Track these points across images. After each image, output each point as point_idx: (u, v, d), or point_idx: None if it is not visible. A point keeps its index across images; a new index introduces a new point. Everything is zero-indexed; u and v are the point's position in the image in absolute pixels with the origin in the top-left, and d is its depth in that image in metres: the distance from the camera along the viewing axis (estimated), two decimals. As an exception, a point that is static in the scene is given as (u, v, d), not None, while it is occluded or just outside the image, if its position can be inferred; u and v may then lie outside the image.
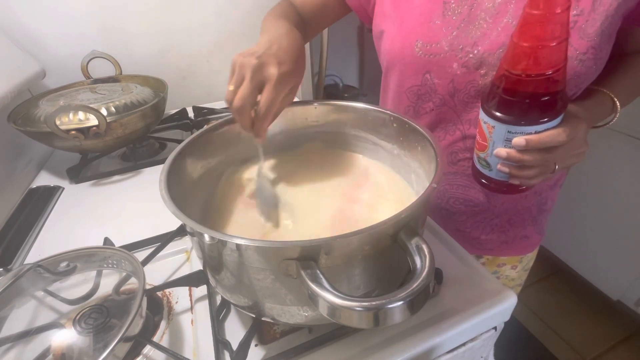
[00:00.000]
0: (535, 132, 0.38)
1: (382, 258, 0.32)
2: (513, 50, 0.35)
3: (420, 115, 0.55)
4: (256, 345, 0.40)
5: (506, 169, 0.41)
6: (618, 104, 0.47)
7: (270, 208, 0.44)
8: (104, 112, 0.69)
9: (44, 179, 0.75)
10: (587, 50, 0.42)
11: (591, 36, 0.42)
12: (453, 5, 0.47)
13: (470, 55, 0.47)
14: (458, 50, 0.47)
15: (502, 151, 0.40)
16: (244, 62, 0.40)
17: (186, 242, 0.55)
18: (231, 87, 0.40)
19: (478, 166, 0.45)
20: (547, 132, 0.37)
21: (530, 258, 0.69)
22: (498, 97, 0.38)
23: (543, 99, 0.36)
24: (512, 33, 0.35)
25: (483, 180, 0.45)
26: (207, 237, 0.30)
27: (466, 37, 0.46)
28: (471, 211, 0.60)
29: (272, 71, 0.40)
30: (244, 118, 0.40)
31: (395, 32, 0.52)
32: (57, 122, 0.63)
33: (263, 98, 0.40)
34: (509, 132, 0.38)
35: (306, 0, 0.60)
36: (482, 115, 0.41)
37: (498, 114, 0.38)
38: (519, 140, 0.38)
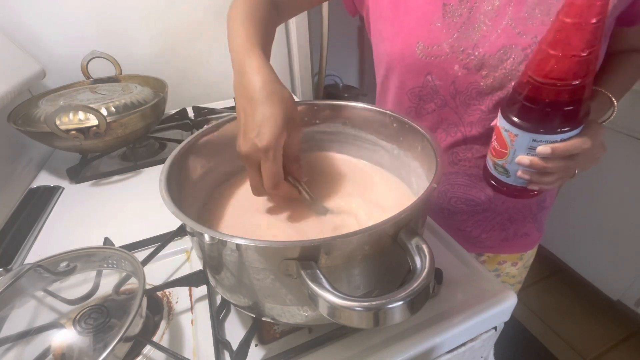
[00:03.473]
0: (561, 140, 0.37)
1: (382, 258, 0.32)
2: (547, 59, 0.34)
3: (422, 117, 0.56)
4: (256, 345, 0.40)
5: (527, 176, 0.40)
6: (615, 102, 0.47)
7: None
8: (104, 112, 0.69)
9: (44, 179, 0.75)
10: None
11: None
12: (453, 7, 0.47)
13: (472, 57, 0.47)
14: (459, 52, 0.47)
15: (524, 159, 0.39)
16: (247, 156, 0.38)
17: (186, 242, 0.55)
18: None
19: (494, 172, 0.44)
20: (572, 139, 0.37)
21: (530, 255, 0.69)
22: (523, 106, 0.37)
23: (571, 107, 0.35)
24: (543, 43, 0.34)
25: (495, 184, 0.45)
26: (207, 237, 0.30)
27: (466, 39, 0.46)
28: (472, 210, 0.60)
29: (262, 154, 0.36)
30: (286, 190, 0.40)
31: (394, 34, 0.52)
32: (57, 122, 0.63)
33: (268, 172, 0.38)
34: (533, 140, 0.37)
35: None
36: (503, 123, 0.39)
37: (523, 122, 0.37)
38: (544, 148, 0.37)
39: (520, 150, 0.39)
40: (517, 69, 0.45)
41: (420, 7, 0.49)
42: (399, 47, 0.51)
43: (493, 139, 0.42)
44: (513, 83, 0.46)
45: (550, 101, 0.35)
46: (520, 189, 0.42)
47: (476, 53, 0.46)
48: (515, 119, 0.38)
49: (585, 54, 0.32)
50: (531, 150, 0.38)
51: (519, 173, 0.41)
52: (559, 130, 0.36)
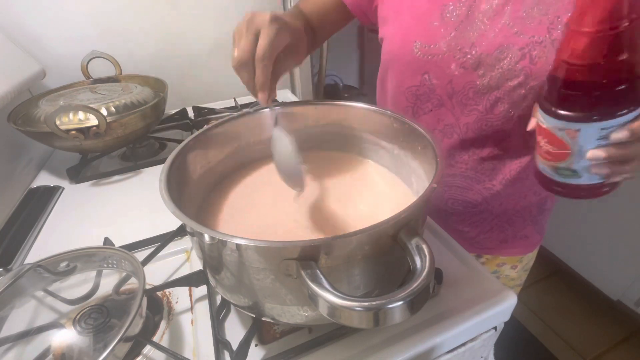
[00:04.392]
0: (635, 118, 0.32)
1: (382, 258, 0.32)
2: (598, 39, 0.30)
3: (419, 116, 0.56)
4: (256, 345, 0.40)
5: (606, 170, 0.35)
6: None
7: (294, 173, 0.43)
8: (104, 112, 0.69)
9: (44, 179, 0.75)
10: None
11: None
12: (451, 7, 0.47)
13: (469, 56, 0.47)
14: (456, 51, 0.47)
15: (598, 152, 0.34)
16: (239, 23, 0.40)
17: (186, 242, 0.55)
18: (235, 53, 0.39)
19: (557, 178, 0.39)
20: None
21: (530, 258, 0.69)
22: (582, 97, 0.33)
23: (636, 80, 0.32)
24: (576, 23, 0.31)
25: (562, 190, 0.40)
26: (207, 237, 0.30)
27: (464, 38, 0.47)
28: (470, 212, 0.60)
29: (264, 16, 0.39)
30: (244, 73, 0.39)
31: (393, 33, 0.52)
32: (57, 122, 0.63)
33: (259, 42, 0.39)
34: (602, 129, 0.33)
35: (311, 8, 0.60)
36: (554, 123, 0.35)
37: (585, 114, 0.33)
38: (620, 134, 0.32)
39: (589, 145, 0.34)
40: (513, 68, 0.45)
41: (419, 7, 0.49)
42: (397, 45, 0.51)
43: (542, 144, 0.38)
44: (509, 83, 0.45)
45: (619, 79, 0.31)
46: (598, 185, 0.38)
47: (473, 52, 0.46)
48: (572, 113, 0.34)
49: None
50: (602, 140, 0.34)
51: (595, 169, 0.36)
52: (632, 107, 0.32)
